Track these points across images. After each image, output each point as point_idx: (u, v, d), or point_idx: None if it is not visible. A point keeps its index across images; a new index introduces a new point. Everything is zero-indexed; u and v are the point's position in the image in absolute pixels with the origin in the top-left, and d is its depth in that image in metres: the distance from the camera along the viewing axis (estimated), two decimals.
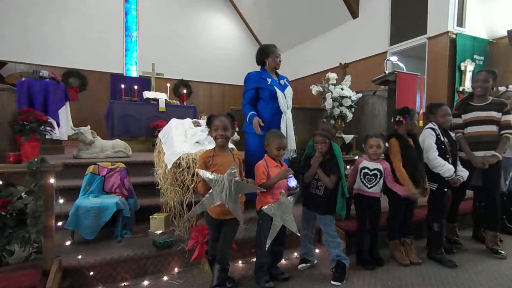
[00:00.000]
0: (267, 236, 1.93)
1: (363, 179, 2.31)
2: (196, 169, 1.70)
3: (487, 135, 2.56)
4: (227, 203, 1.76)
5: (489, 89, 2.63)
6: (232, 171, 1.77)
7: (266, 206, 1.94)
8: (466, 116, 2.66)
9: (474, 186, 2.74)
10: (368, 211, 2.34)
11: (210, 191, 1.74)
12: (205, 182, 1.76)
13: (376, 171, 2.29)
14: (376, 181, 2.28)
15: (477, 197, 2.83)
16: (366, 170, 2.30)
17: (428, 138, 2.45)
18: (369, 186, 2.29)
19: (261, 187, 1.92)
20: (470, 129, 2.64)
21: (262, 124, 2.41)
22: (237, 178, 1.79)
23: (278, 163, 2.07)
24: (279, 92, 2.53)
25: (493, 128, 2.57)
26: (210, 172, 1.76)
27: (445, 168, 2.36)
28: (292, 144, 2.58)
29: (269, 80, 2.55)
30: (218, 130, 1.88)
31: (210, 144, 2.40)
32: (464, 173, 2.48)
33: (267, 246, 1.92)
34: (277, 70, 2.68)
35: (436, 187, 2.44)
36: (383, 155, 2.40)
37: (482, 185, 2.64)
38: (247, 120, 2.52)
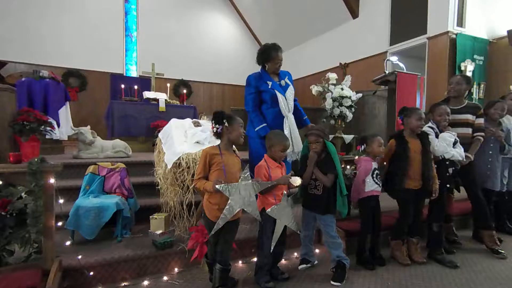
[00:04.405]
0: (270, 238, 1.93)
1: (376, 180, 2.33)
2: (215, 187, 1.70)
3: (462, 137, 2.61)
4: (246, 207, 1.78)
5: (463, 92, 2.72)
6: (245, 175, 1.79)
7: (269, 209, 1.93)
8: None
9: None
10: (373, 210, 2.36)
11: (229, 201, 1.75)
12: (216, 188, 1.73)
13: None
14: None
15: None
16: (377, 171, 2.34)
17: (429, 134, 2.47)
18: (381, 185, 2.35)
19: (276, 182, 1.92)
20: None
21: None
22: (250, 181, 1.80)
23: (278, 163, 2.06)
24: (280, 96, 2.52)
25: (468, 130, 2.67)
26: (227, 186, 1.74)
27: (453, 152, 2.42)
28: (298, 146, 2.56)
29: (270, 84, 2.54)
30: (242, 127, 1.91)
31: (210, 144, 2.39)
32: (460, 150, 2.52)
33: (272, 248, 1.92)
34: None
35: (438, 183, 2.43)
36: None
37: (464, 186, 2.74)
38: (257, 130, 2.50)
